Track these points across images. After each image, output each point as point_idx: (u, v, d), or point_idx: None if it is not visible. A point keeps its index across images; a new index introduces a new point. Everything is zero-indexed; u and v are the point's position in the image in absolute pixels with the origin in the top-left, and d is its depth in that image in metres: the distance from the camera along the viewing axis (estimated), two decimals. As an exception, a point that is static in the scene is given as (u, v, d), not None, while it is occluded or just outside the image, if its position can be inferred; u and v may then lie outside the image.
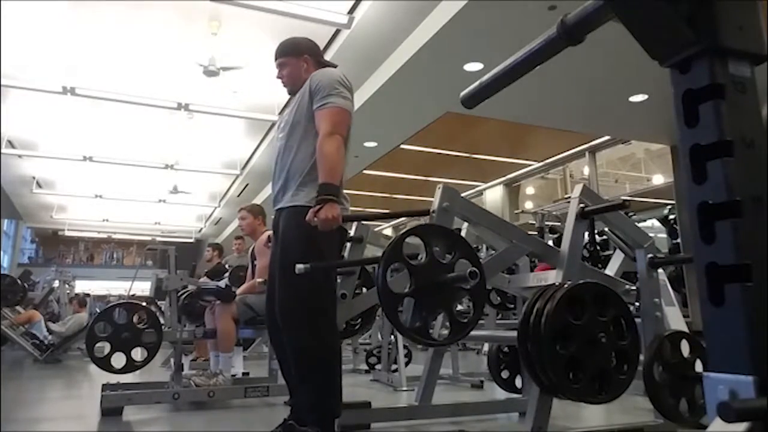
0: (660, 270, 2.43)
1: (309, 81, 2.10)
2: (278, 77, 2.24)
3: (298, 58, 2.20)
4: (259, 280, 3.43)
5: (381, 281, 1.62)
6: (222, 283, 3.69)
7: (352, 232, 2.61)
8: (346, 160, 2.05)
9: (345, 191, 2.06)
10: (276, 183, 2.12)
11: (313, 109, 2.03)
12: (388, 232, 11.98)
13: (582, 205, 2.22)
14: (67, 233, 17.11)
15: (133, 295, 6.16)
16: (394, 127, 6.76)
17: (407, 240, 1.72)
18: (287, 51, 2.22)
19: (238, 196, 11.63)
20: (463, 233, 2.72)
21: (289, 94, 2.26)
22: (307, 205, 1.93)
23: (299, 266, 1.76)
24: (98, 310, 6.17)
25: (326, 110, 1.99)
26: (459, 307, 3.00)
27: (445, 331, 1.84)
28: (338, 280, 2.25)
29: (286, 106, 2.21)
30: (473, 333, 1.81)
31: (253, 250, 3.91)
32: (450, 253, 1.75)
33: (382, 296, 1.62)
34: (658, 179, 8.18)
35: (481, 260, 1.86)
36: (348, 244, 2.64)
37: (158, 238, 16.94)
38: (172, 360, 3.50)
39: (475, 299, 1.77)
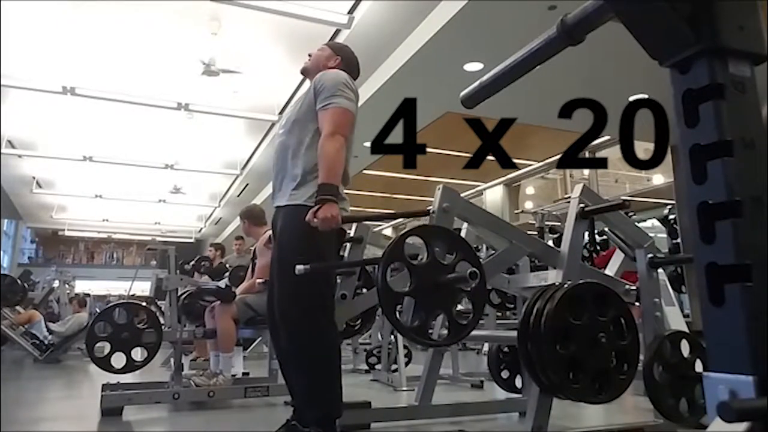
0: (660, 270, 2.43)
1: (314, 81, 2.09)
2: (309, 54, 2.31)
3: (334, 53, 2.29)
4: (259, 280, 3.44)
5: (381, 280, 1.62)
6: (222, 283, 3.69)
7: (352, 233, 2.60)
8: (348, 160, 2.05)
9: (345, 191, 2.05)
10: (275, 180, 2.12)
11: (316, 109, 2.02)
12: (388, 232, 11.98)
13: (582, 205, 2.22)
14: (67, 233, 17.14)
15: (133, 295, 6.18)
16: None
17: (408, 240, 1.72)
18: (331, 44, 2.39)
19: (238, 196, 11.63)
20: (462, 233, 2.72)
21: (301, 73, 2.32)
22: (305, 204, 1.93)
23: (299, 267, 1.74)
24: (98, 310, 6.17)
25: (330, 110, 1.99)
26: (459, 307, 2.99)
27: (445, 331, 1.83)
28: (338, 281, 2.25)
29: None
30: (473, 333, 1.81)
31: (254, 249, 3.92)
32: (450, 254, 1.74)
33: (382, 295, 1.62)
34: (658, 179, 8.17)
35: (481, 260, 1.86)
36: (348, 245, 2.63)
37: (158, 238, 16.93)
38: (172, 360, 3.50)
39: (475, 300, 1.77)
